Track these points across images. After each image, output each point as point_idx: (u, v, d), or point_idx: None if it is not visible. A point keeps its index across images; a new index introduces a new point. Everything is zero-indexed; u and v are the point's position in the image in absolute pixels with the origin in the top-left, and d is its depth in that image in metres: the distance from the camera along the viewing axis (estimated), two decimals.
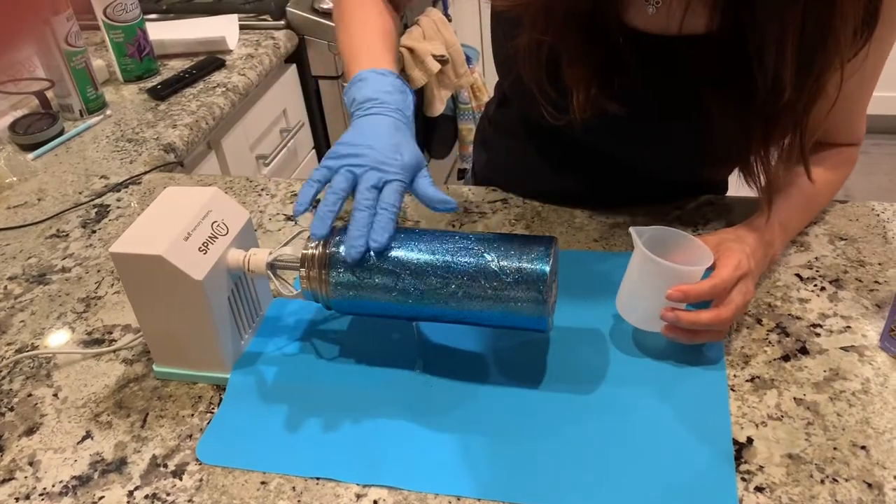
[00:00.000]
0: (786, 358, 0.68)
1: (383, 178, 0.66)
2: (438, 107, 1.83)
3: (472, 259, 0.63)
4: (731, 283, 0.66)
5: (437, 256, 0.64)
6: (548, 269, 0.62)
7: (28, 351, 0.77)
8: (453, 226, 0.88)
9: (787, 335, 0.70)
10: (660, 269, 0.65)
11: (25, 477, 0.64)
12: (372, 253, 0.65)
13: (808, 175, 0.73)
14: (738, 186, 0.98)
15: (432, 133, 1.93)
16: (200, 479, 0.62)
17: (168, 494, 0.61)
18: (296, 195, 0.97)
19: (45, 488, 0.63)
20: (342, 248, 0.66)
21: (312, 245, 0.67)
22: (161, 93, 1.29)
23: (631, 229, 0.67)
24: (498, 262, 0.63)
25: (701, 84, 0.70)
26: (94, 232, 0.95)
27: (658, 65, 0.72)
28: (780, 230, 0.76)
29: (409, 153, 0.69)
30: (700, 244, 0.68)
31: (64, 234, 0.95)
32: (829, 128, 0.77)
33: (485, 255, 0.63)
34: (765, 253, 0.73)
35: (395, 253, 0.65)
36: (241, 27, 1.52)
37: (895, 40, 0.73)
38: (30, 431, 0.68)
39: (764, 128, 0.69)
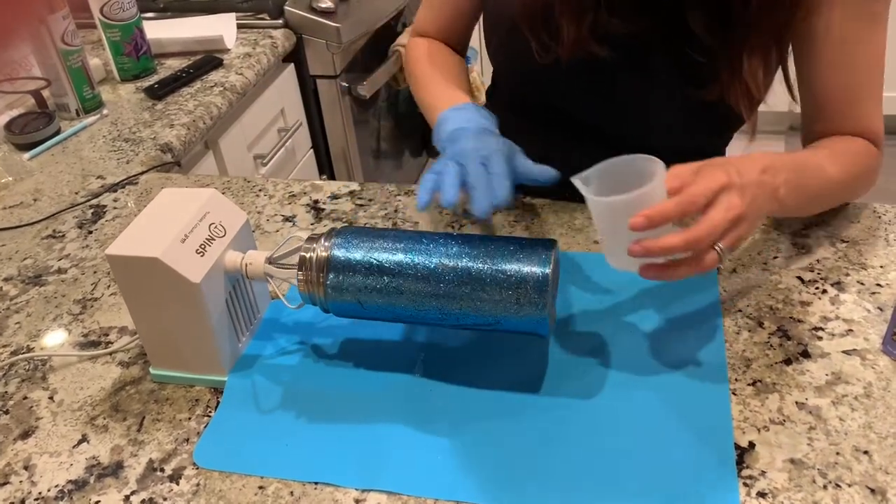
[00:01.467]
0: (787, 362, 0.67)
1: (484, 153, 0.73)
2: None
3: (471, 263, 0.63)
4: (703, 197, 0.60)
5: (435, 260, 0.63)
6: (548, 273, 0.61)
7: (23, 353, 0.76)
8: (452, 227, 0.88)
9: (789, 338, 0.69)
10: (612, 208, 0.60)
11: (21, 481, 0.63)
12: (370, 258, 0.64)
13: (790, 93, 0.80)
14: None
15: (432, 132, 1.92)
16: (198, 484, 0.61)
17: (165, 499, 0.61)
18: (294, 196, 0.96)
19: (40, 493, 0.62)
20: (342, 251, 0.65)
21: (310, 248, 0.66)
22: (158, 92, 1.28)
23: (573, 179, 0.62)
24: (498, 265, 0.62)
25: (686, 18, 0.75)
26: (90, 233, 0.94)
27: (647, 12, 0.77)
28: (790, 165, 0.70)
29: (497, 140, 0.75)
30: (652, 160, 0.61)
31: (60, 234, 0.94)
32: (835, 102, 0.79)
33: (484, 258, 0.63)
34: (760, 179, 0.64)
35: (393, 256, 0.64)
36: (239, 26, 1.51)
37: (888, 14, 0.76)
38: (25, 435, 0.68)
39: (745, 37, 0.73)
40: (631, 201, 0.59)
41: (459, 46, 1.01)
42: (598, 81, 0.83)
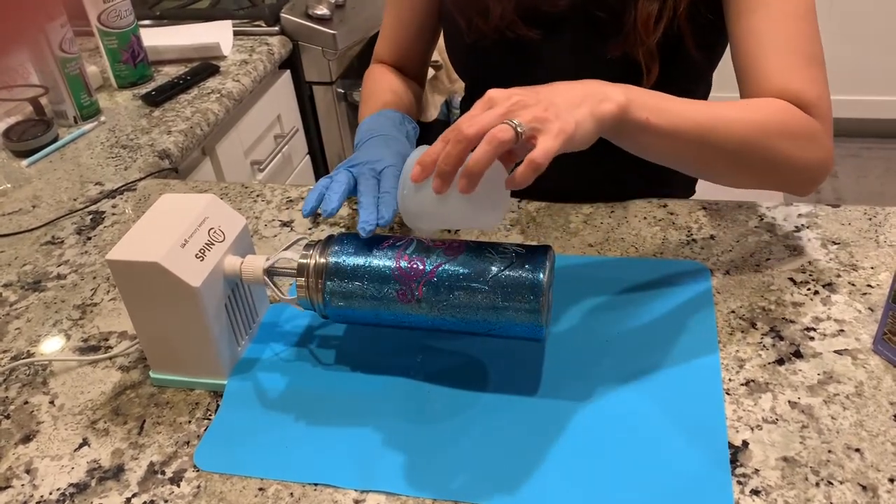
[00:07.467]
0: (780, 361, 0.68)
1: (377, 168, 0.75)
2: (432, 112, 1.83)
3: (467, 269, 0.64)
4: (465, 119, 0.60)
5: (432, 265, 0.64)
6: (543, 279, 0.62)
7: (24, 358, 0.77)
8: (448, 231, 0.89)
9: (782, 339, 0.70)
10: (405, 192, 0.66)
11: (22, 485, 0.64)
12: (368, 264, 0.65)
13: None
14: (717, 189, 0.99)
15: (427, 138, 1.93)
16: (198, 486, 0.62)
17: (166, 501, 0.61)
18: (291, 201, 0.97)
19: (42, 496, 0.63)
20: (340, 258, 0.66)
21: (308, 254, 0.67)
22: (155, 99, 1.29)
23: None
24: (493, 271, 0.63)
25: None
26: (89, 238, 0.95)
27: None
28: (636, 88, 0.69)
29: (396, 147, 0.77)
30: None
31: (59, 240, 0.95)
32: (754, 55, 0.76)
33: (480, 264, 0.64)
34: (557, 85, 0.66)
35: (391, 262, 0.65)
36: (236, 33, 1.52)
37: None
38: (26, 439, 0.68)
39: None
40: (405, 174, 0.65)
41: (417, 72, 1.04)
42: (524, 58, 0.88)
